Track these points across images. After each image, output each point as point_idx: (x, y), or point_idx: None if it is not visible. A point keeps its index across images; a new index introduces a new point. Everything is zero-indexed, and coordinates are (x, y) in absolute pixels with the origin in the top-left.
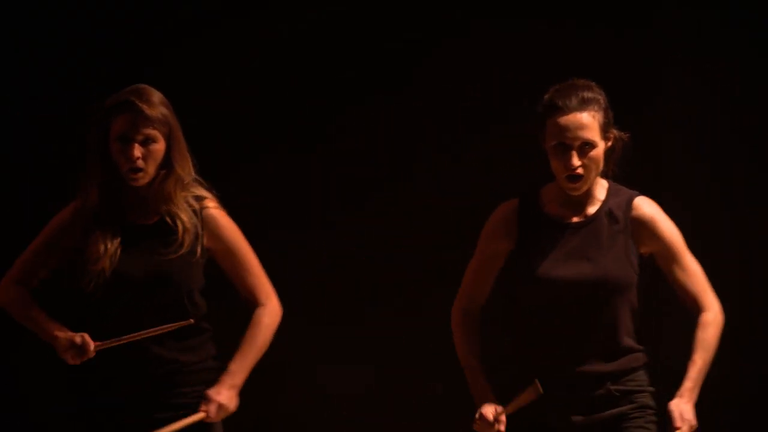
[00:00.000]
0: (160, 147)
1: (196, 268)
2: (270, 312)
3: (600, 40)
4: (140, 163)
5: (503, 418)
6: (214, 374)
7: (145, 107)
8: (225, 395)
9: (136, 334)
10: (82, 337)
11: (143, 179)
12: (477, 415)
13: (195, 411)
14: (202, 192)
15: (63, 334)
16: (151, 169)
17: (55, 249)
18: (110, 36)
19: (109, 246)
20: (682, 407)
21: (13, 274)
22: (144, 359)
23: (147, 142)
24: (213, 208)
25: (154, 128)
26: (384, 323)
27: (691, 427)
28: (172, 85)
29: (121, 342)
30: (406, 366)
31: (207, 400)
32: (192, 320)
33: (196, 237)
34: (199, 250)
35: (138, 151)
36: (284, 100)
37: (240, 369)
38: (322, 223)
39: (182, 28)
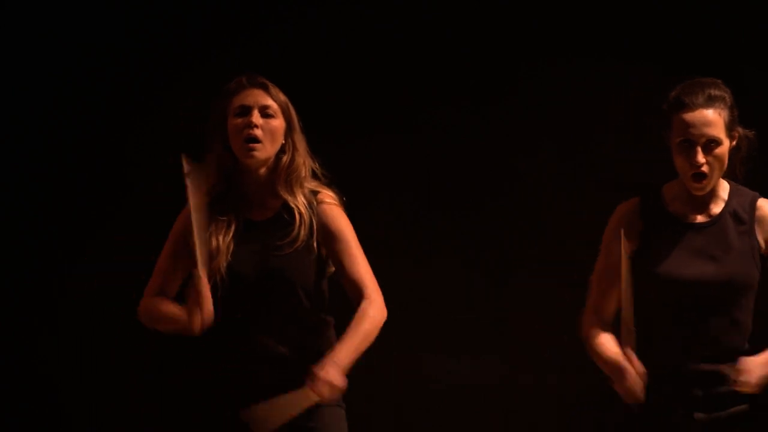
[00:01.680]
0: (279, 123)
1: (312, 262)
2: (376, 306)
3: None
4: (258, 132)
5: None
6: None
7: (267, 82)
8: (332, 374)
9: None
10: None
11: (259, 153)
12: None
13: (314, 408)
14: (319, 186)
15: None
16: (269, 146)
17: (182, 247)
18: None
19: (222, 243)
20: (752, 365)
21: (150, 288)
22: (264, 350)
23: (266, 113)
24: (328, 203)
25: (274, 102)
26: (494, 315)
27: (750, 385)
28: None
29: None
30: (511, 358)
31: (314, 378)
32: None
33: (311, 231)
34: (314, 244)
35: (257, 118)
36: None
37: (344, 350)
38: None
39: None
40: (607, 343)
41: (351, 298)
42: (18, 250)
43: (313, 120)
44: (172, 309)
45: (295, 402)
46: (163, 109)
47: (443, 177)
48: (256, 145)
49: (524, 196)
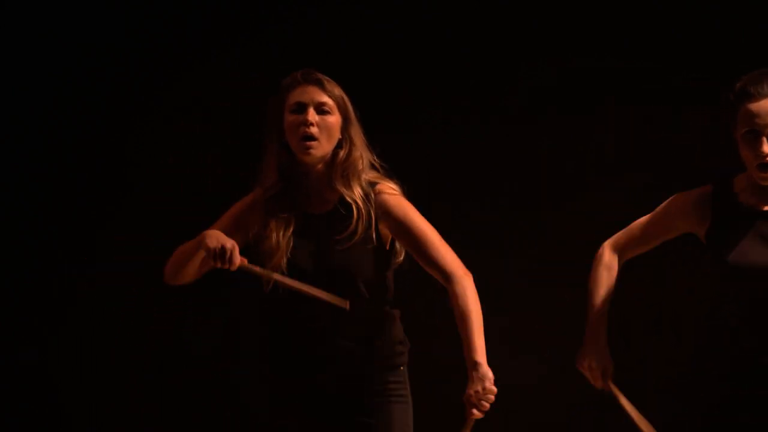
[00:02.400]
0: (335, 120)
1: (371, 254)
2: (465, 282)
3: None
4: (314, 130)
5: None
6: (400, 359)
7: (322, 78)
8: (476, 384)
9: (292, 283)
10: (233, 244)
11: (316, 151)
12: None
13: (382, 397)
14: (378, 177)
15: (217, 233)
16: (325, 143)
17: (235, 230)
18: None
19: (282, 239)
20: None
21: None
22: (327, 345)
23: (322, 110)
24: (386, 193)
25: (331, 98)
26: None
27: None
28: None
29: (270, 278)
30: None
31: (469, 403)
32: (347, 304)
33: (370, 224)
34: (374, 236)
35: (312, 116)
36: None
37: (474, 348)
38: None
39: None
40: (603, 291)
41: (440, 282)
42: (18, 250)
43: None
44: (191, 242)
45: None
46: (163, 109)
47: (444, 176)
48: (312, 143)
49: (523, 195)
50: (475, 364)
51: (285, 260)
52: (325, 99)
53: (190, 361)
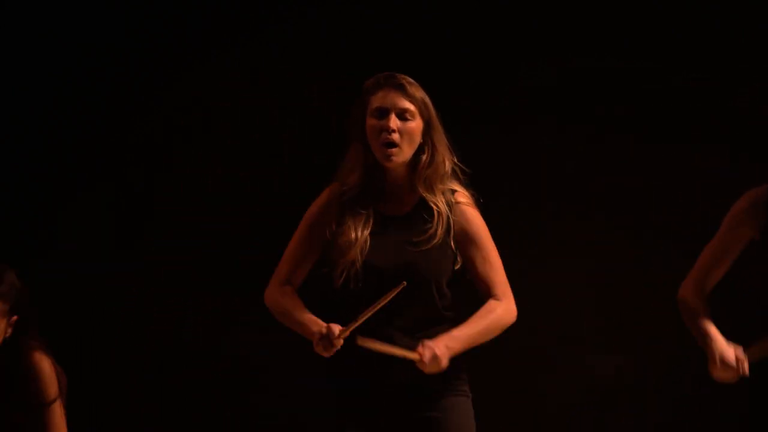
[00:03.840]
0: (417, 125)
1: (447, 260)
2: (506, 308)
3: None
4: (395, 136)
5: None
6: (459, 362)
7: (404, 82)
8: (441, 349)
9: (367, 311)
10: (328, 327)
11: (397, 157)
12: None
13: (446, 393)
14: (457, 186)
15: (314, 326)
16: (406, 148)
17: (315, 239)
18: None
19: (359, 236)
20: None
21: (279, 274)
22: (394, 343)
23: (404, 116)
24: (464, 203)
25: (412, 104)
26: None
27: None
28: None
29: (359, 323)
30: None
31: (424, 345)
32: (404, 283)
33: (448, 229)
34: (451, 242)
35: (394, 123)
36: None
37: (459, 337)
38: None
39: None
40: (702, 312)
41: (482, 297)
42: (18, 249)
43: (312, 119)
44: (300, 317)
45: (401, 353)
46: (163, 109)
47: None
48: (393, 149)
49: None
50: (450, 343)
51: (361, 258)
52: (407, 105)
53: (190, 361)
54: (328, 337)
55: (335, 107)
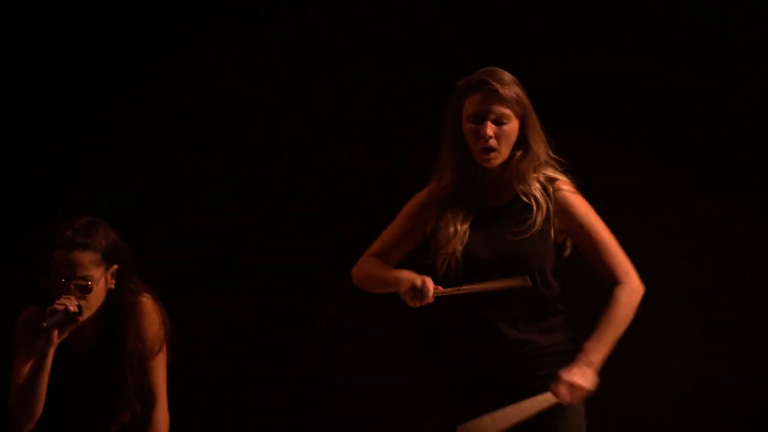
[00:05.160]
0: (512, 127)
1: (547, 249)
2: (628, 290)
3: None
4: (493, 142)
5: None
6: (570, 356)
7: (497, 86)
8: (578, 375)
9: (473, 286)
10: (423, 280)
11: (496, 160)
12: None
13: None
14: (555, 173)
15: (408, 274)
16: (504, 150)
17: (412, 230)
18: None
19: (459, 228)
20: None
21: (372, 250)
22: (498, 340)
23: (499, 121)
24: (566, 190)
25: (507, 107)
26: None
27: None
28: None
29: (459, 292)
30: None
31: (558, 380)
32: (527, 279)
33: (548, 218)
34: (551, 231)
35: (490, 129)
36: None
37: (596, 347)
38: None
39: None
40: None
41: (606, 283)
42: (18, 248)
43: (312, 119)
44: (390, 272)
45: (533, 406)
46: (163, 109)
47: None
48: (491, 154)
49: None
50: (589, 362)
51: (460, 248)
52: (502, 110)
53: (190, 361)
54: (421, 290)
55: (335, 107)
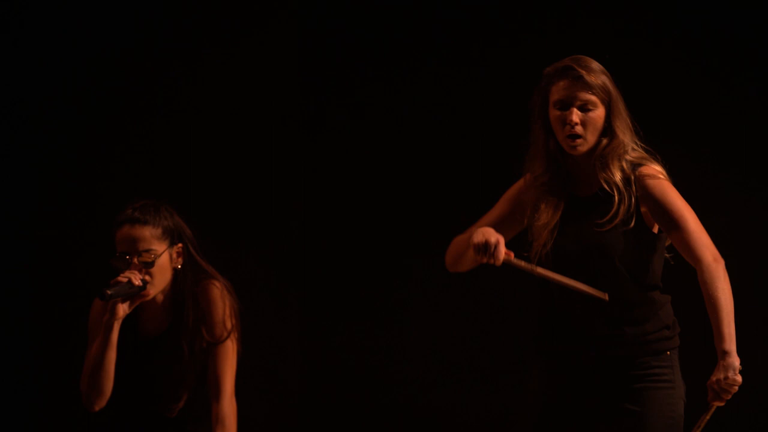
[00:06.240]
0: (598, 114)
1: (633, 237)
2: (713, 268)
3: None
4: (578, 129)
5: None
6: (667, 344)
7: (584, 72)
8: (720, 372)
9: (553, 275)
10: (498, 240)
11: (582, 147)
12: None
13: (645, 383)
14: (642, 159)
15: (486, 228)
16: (590, 137)
17: (507, 220)
18: None
19: (550, 219)
20: None
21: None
22: (588, 327)
23: (585, 108)
24: (648, 176)
25: (593, 94)
26: None
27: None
28: None
29: (533, 271)
30: None
31: (712, 388)
32: (606, 296)
33: (630, 206)
34: (634, 219)
35: (576, 116)
36: None
37: (723, 337)
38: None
39: None
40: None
41: (695, 268)
42: (18, 248)
43: (312, 119)
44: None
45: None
46: (164, 109)
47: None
48: (577, 140)
49: None
50: (723, 353)
51: (551, 240)
52: (588, 96)
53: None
54: (492, 247)
55: (335, 107)
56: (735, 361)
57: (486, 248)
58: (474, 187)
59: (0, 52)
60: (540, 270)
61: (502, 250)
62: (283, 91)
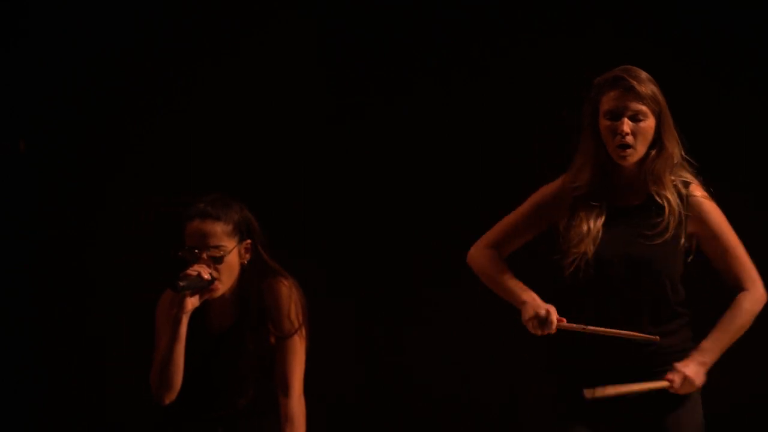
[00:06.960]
0: (649, 124)
1: (679, 254)
2: (753, 298)
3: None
4: (629, 139)
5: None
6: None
7: (634, 83)
8: (692, 369)
9: (603, 329)
10: (548, 310)
11: (632, 157)
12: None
13: (672, 394)
14: (689, 177)
15: (532, 301)
16: (640, 147)
17: (537, 221)
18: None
19: (591, 228)
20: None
21: (490, 237)
22: (618, 343)
23: (636, 118)
24: (700, 196)
25: (644, 104)
26: None
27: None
28: None
29: (585, 331)
30: None
31: (674, 370)
32: (658, 339)
33: (680, 222)
34: (682, 236)
35: (627, 126)
36: None
37: (711, 348)
38: None
39: None
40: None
41: (731, 288)
42: (19, 248)
43: (312, 119)
44: (509, 284)
45: (645, 387)
46: (163, 109)
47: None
48: (627, 150)
49: None
50: (703, 362)
51: (592, 249)
52: (639, 107)
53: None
54: (546, 320)
55: (336, 107)
56: (700, 369)
57: (542, 324)
58: (474, 187)
59: (1, 52)
60: (591, 328)
61: (554, 319)
62: (283, 91)
